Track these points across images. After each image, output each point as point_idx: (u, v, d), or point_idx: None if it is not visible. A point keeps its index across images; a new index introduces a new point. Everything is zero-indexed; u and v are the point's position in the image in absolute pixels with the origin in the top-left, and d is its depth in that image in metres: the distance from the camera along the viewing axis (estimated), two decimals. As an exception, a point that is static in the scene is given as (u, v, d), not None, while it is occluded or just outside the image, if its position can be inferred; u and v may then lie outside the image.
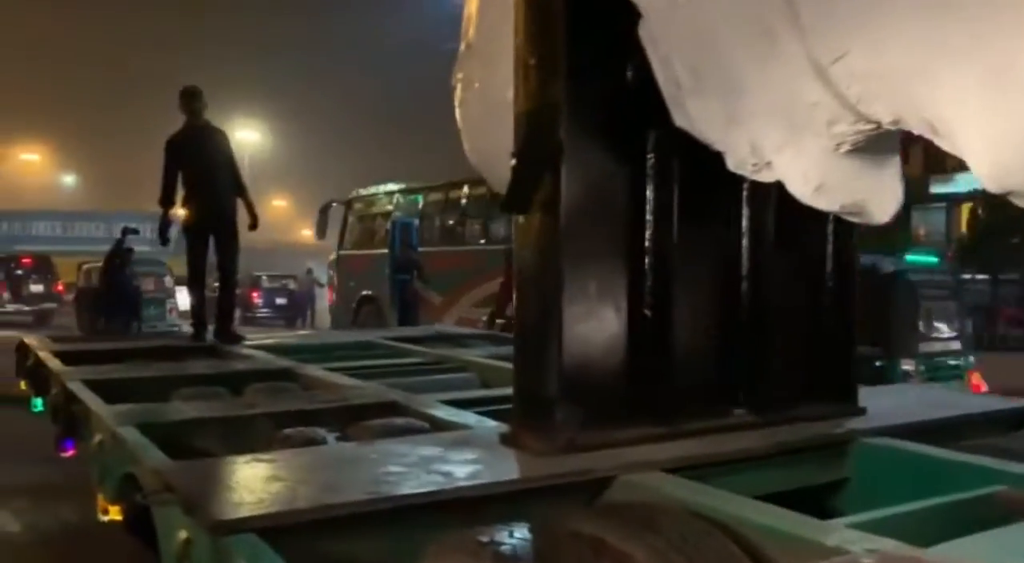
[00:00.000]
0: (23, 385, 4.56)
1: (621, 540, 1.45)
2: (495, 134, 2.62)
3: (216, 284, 6.06)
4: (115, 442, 2.48)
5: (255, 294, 17.87)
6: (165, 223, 5.82)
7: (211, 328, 5.58)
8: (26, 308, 20.03)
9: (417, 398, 3.08)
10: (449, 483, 1.86)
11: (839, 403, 2.67)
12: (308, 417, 2.80)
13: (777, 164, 2.20)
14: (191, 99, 5.80)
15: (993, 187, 1.75)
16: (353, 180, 17.07)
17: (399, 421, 2.62)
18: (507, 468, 2.00)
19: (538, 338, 2.19)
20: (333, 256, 15.14)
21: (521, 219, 2.24)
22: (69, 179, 45.41)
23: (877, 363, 5.07)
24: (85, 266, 17.42)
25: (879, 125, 1.99)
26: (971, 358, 6.48)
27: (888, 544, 1.48)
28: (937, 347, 6.19)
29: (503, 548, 1.49)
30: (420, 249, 12.48)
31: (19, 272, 20.60)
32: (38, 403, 4.18)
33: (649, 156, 2.33)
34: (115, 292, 10.06)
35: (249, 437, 2.66)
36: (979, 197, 19.29)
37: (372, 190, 14.68)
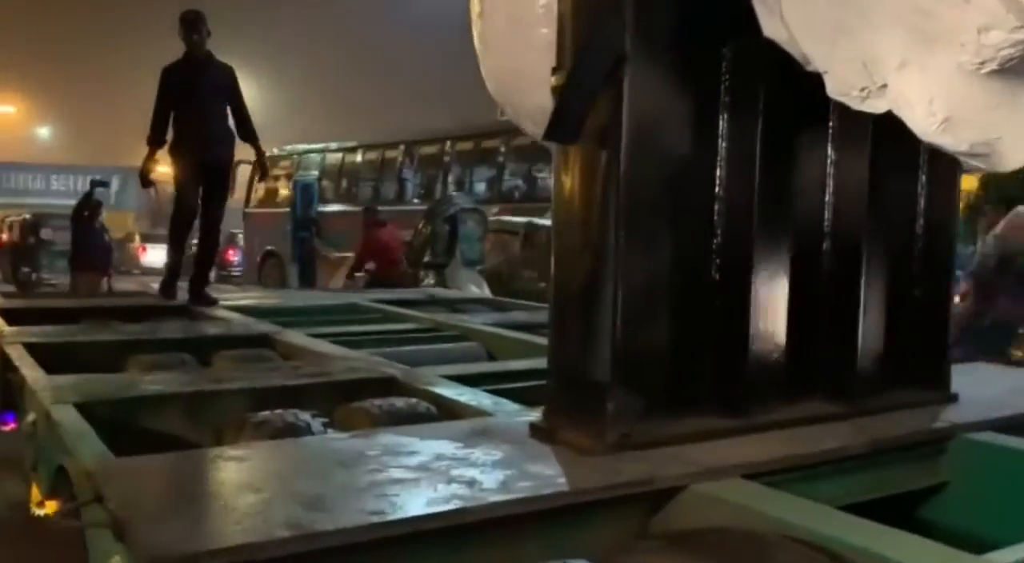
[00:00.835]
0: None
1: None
2: (520, 52, 2.12)
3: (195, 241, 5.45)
4: (48, 424, 2.00)
5: (231, 252, 17.49)
6: (150, 164, 5.17)
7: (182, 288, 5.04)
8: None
9: (417, 373, 2.61)
10: (477, 497, 1.39)
11: (930, 389, 2.22)
12: (288, 395, 2.33)
13: (895, 88, 1.72)
14: (189, 27, 5.08)
15: None
16: (305, 139, 16.87)
17: (400, 403, 2.15)
18: (549, 473, 1.53)
19: (587, 305, 1.72)
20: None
21: (566, 152, 1.76)
22: (45, 132, 44.23)
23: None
24: (8, 219, 17.32)
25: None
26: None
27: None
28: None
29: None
30: (320, 208, 13.28)
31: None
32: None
33: (724, 77, 1.84)
34: (84, 246, 9.51)
35: (215, 420, 2.18)
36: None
37: (276, 151, 15.12)
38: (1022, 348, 4.60)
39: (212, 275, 5.70)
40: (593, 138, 1.68)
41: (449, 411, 2.18)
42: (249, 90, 5.67)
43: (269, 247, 14.80)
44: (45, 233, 16.38)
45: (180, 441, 2.20)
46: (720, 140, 1.86)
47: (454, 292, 5.93)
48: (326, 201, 13.79)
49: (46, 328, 3.47)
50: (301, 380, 2.45)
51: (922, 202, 2.24)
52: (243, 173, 14.23)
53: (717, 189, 1.87)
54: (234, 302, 4.81)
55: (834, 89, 1.79)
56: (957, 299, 4.61)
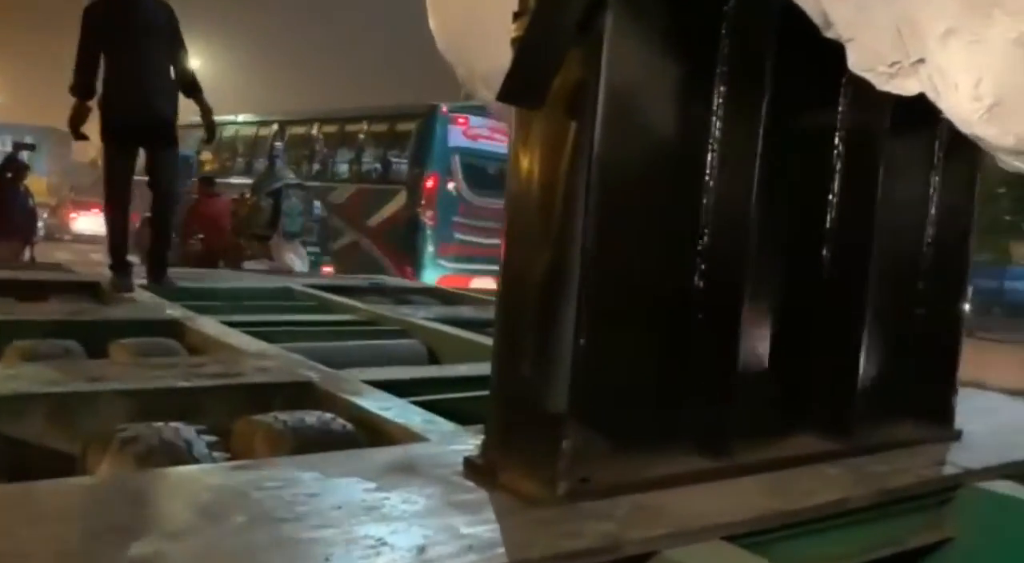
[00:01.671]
0: None
1: None
2: (471, 3, 1.77)
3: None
4: None
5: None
6: (80, 114, 4.34)
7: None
8: None
9: (340, 377, 2.23)
10: (386, 575, 1.03)
11: (934, 424, 1.92)
12: (180, 401, 1.94)
13: (935, 62, 1.40)
14: None
15: None
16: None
17: (310, 419, 1.77)
18: (483, 535, 1.17)
19: (543, 314, 1.36)
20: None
21: (526, 121, 1.39)
22: (-12, 89, 42.42)
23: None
24: None
25: None
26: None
27: None
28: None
29: None
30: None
31: None
32: None
33: (724, 41, 1.50)
34: (5, 211, 8.86)
35: (83, 430, 1.79)
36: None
37: None
38: None
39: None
40: (561, 104, 1.32)
41: (370, 430, 1.81)
42: (197, 54, 5.14)
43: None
44: None
45: (45, 454, 1.81)
46: (714, 118, 1.52)
47: (401, 281, 5.53)
48: (212, 173, 12.78)
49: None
50: (198, 382, 2.05)
51: (934, 209, 1.93)
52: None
53: (707, 179, 1.53)
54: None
55: (858, 62, 1.46)
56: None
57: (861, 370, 1.75)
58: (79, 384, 1.95)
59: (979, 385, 2.80)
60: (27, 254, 8.85)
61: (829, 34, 1.46)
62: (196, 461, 1.55)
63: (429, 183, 9.91)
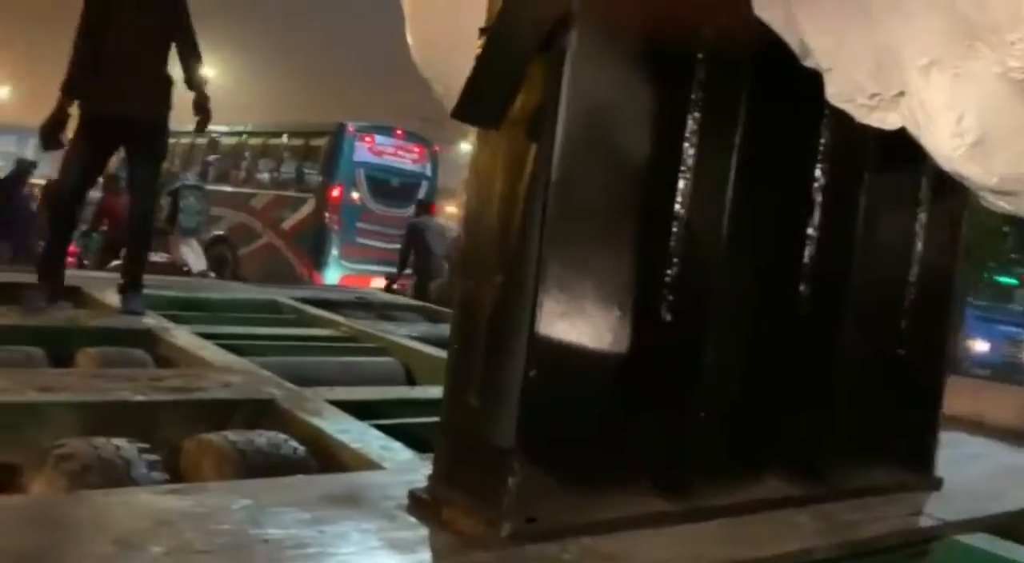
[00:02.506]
0: None
1: None
2: (452, 17, 1.72)
3: None
4: None
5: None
6: (59, 116, 3.40)
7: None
8: None
9: (303, 395, 2.16)
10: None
11: (911, 471, 1.84)
12: (130, 415, 1.87)
13: (917, 95, 1.34)
14: None
15: None
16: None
17: (261, 440, 1.70)
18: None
19: (493, 342, 1.30)
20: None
21: (486, 140, 1.34)
22: (3, 92, 42.70)
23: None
24: None
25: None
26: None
27: None
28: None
29: None
30: None
31: None
32: None
33: (699, 66, 1.44)
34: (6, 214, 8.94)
35: (29, 442, 1.72)
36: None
37: None
38: None
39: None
40: (520, 125, 1.27)
41: (324, 454, 1.75)
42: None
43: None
44: None
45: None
46: (686, 145, 1.46)
47: (387, 296, 5.47)
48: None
49: None
50: (154, 396, 1.98)
51: (919, 245, 1.87)
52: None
53: (678, 207, 1.47)
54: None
55: (836, 93, 1.40)
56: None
57: (835, 411, 1.68)
58: (28, 394, 1.89)
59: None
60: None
61: (808, 63, 1.40)
62: (134, 482, 1.48)
63: (335, 192, 10.99)
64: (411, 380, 3.02)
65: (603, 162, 1.34)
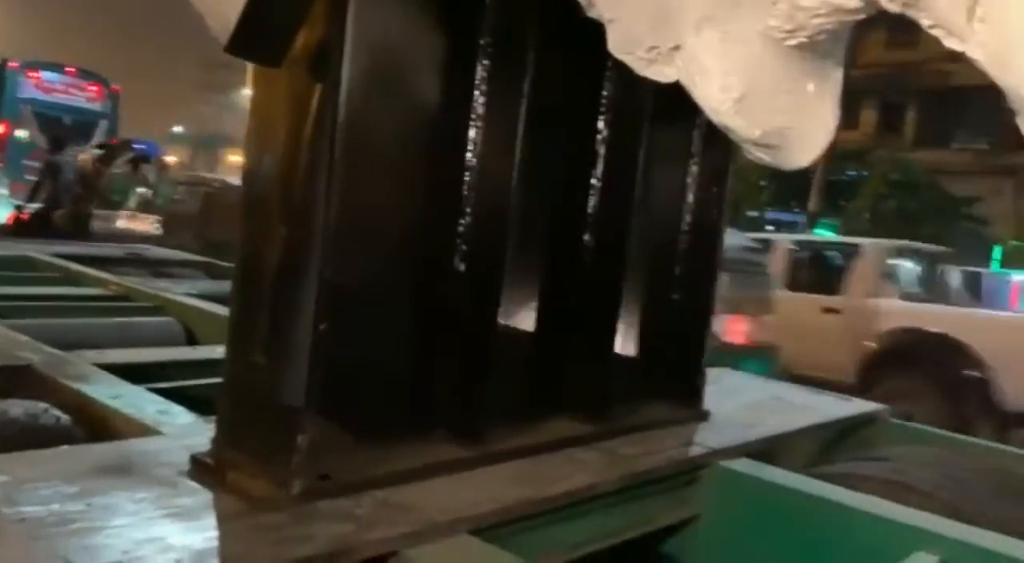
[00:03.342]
0: None
1: None
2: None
3: None
4: None
5: None
6: None
7: None
8: None
9: (66, 360, 1.97)
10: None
11: (683, 405, 1.99)
12: None
13: (689, 52, 1.41)
14: None
15: None
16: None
17: (16, 410, 1.54)
18: (199, 544, 1.04)
19: (278, 296, 1.23)
20: None
21: (265, 78, 1.25)
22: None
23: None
24: None
25: (868, 6, 1.28)
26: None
27: None
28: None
29: None
30: None
31: None
32: None
33: (487, 14, 1.43)
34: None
35: None
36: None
37: None
38: None
39: None
40: (303, 63, 1.20)
41: (93, 422, 1.60)
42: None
43: None
44: None
45: None
46: (476, 93, 1.45)
47: (165, 251, 5.10)
48: None
49: None
50: None
51: (690, 196, 1.99)
52: None
53: (468, 156, 1.46)
54: None
55: (618, 44, 1.44)
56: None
57: (617, 354, 1.77)
58: None
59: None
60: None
61: (591, 14, 1.43)
62: None
63: (0, 129, 10.82)
64: (192, 340, 2.85)
65: (392, 107, 1.30)
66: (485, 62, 1.45)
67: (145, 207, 10.62)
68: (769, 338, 6.18)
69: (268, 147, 1.25)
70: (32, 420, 1.51)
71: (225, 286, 3.70)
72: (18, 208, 9.22)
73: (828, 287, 7.41)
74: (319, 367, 1.20)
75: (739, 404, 2.22)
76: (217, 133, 46.47)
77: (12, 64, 10.93)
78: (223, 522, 1.12)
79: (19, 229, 8.46)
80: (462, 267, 1.48)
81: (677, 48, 1.41)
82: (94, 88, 11.56)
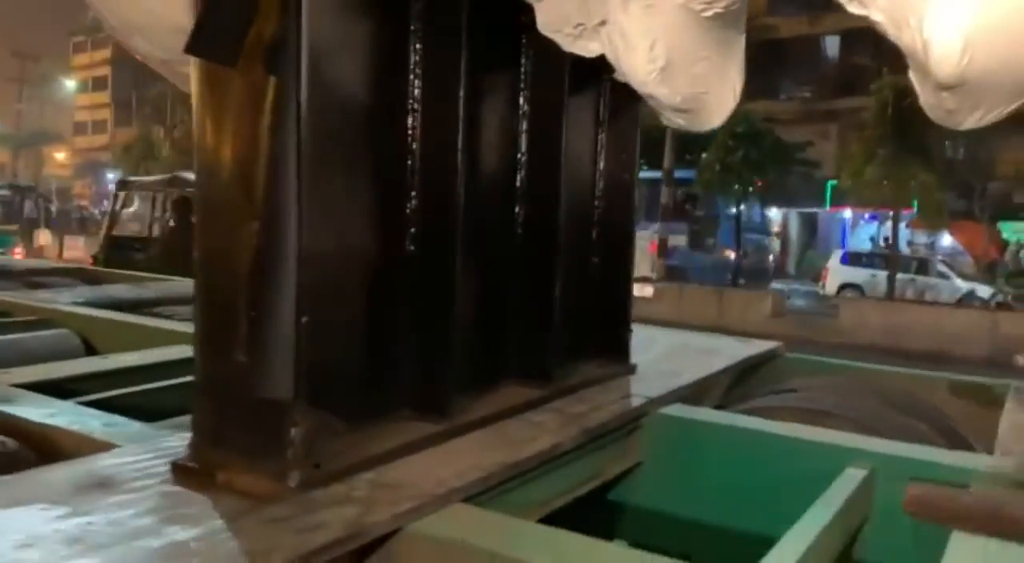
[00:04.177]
0: None
1: None
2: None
3: None
4: None
5: None
6: None
7: None
8: None
9: (-19, 384, 1.87)
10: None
11: (614, 361, 2.10)
12: None
13: (616, 25, 1.49)
14: None
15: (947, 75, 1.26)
16: None
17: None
18: (220, 546, 1.05)
19: (256, 295, 1.23)
20: None
21: (214, 76, 1.23)
22: None
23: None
24: None
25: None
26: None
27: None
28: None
29: None
30: None
31: None
32: None
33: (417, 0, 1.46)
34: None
35: None
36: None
37: None
38: None
39: None
40: (258, 59, 1.19)
41: (39, 444, 1.54)
42: None
43: None
44: None
45: None
46: (412, 77, 1.48)
47: (31, 261, 4.76)
48: None
49: None
50: None
51: (601, 163, 2.09)
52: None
53: (410, 140, 1.49)
54: None
55: (546, 23, 1.51)
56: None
57: (553, 319, 1.85)
58: None
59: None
60: None
61: (518, -6, 1.49)
62: None
63: None
64: (91, 351, 2.73)
65: (341, 97, 1.32)
66: (417, 46, 1.48)
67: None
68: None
69: (225, 146, 1.24)
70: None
71: (109, 291, 3.54)
72: None
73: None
74: (304, 359, 1.21)
75: (655, 355, 2.36)
76: (39, 131, 42.95)
77: None
78: (231, 521, 1.12)
79: None
80: (411, 248, 1.51)
81: (603, 23, 1.49)
82: None
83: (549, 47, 1.57)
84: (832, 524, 1.35)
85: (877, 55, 21.00)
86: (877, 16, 1.28)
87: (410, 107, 1.48)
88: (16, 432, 1.57)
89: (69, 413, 1.68)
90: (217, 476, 1.23)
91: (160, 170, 21.38)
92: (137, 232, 9.23)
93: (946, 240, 20.39)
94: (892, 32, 1.28)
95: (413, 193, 1.50)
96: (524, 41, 1.78)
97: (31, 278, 3.92)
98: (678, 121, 1.71)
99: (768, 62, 23.29)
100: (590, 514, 1.80)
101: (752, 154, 15.48)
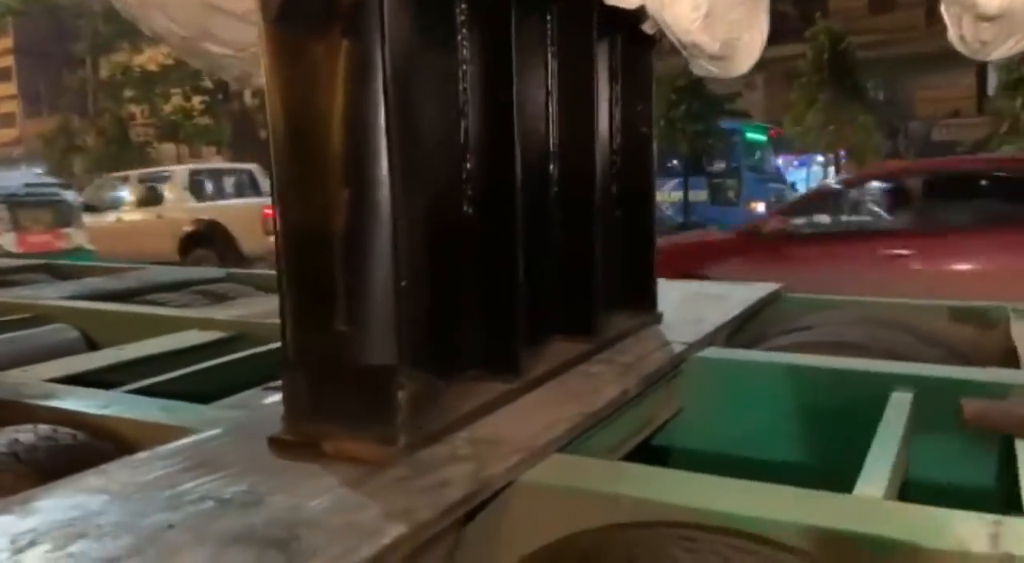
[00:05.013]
0: None
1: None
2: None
3: None
4: None
5: None
6: None
7: None
8: None
9: (15, 381, 1.82)
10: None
11: (643, 311, 2.15)
12: None
13: (662, -22, 1.51)
14: None
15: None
16: None
17: (26, 437, 1.42)
18: (361, 514, 1.06)
19: (354, 262, 1.23)
20: None
21: (289, 45, 1.21)
22: None
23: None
24: None
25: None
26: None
27: None
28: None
29: None
30: None
31: None
32: None
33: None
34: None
35: None
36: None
37: None
38: None
39: None
40: (340, 24, 1.18)
41: (104, 435, 1.51)
42: None
43: None
44: None
45: None
46: (459, 38, 1.48)
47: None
48: None
49: None
50: None
51: (618, 116, 2.11)
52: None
53: (462, 102, 1.49)
54: None
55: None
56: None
57: (592, 273, 1.88)
58: None
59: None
60: None
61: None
62: None
63: None
64: (91, 344, 2.66)
65: (413, 58, 1.30)
66: (462, 5, 1.47)
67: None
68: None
69: (304, 117, 1.22)
70: (53, 443, 1.41)
71: (90, 285, 3.44)
72: None
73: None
74: (404, 323, 1.22)
75: (673, 304, 2.41)
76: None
77: None
78: (355, 488, 1.13)
79: None
80: (469, 210, 1.52)
81: (639, -24, 1.50)
82: None
83: (575, 2, 1.58)
84: (900, 447, 1.42)
85: (797, 2, 21.38)
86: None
87: (461, 69, 1.48)
88: (78, 425, 1.54)
89: (122, 403, 1.65)
90: (323, 446, 1.24)
91: (88, 163, 20.65)
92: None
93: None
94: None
95: (468, 155, 1.50)
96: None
97: (3, 277, 3.78)
98: (711, 69, 1.74)
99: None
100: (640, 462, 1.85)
101: (695, 107, 15.64)
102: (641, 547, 1.03)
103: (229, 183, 12.48)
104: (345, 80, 1.18)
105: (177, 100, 20.34)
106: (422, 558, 1.06)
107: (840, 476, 1.28)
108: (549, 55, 1.80)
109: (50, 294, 3.10)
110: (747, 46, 1.69)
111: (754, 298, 2.57)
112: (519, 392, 1.52)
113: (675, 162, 16.69)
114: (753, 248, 5.77)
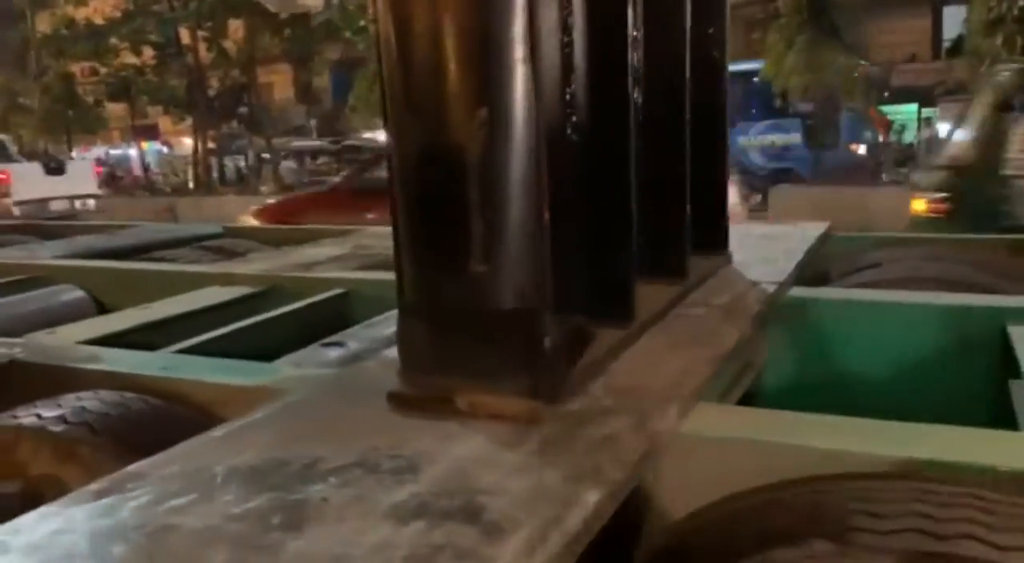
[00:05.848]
0: None
1: None
2: None
3: None
4: None
5: None
6: None
7: None
8: None
9: (50, 346, 1.64)
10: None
11: (715, 253, 2.01)
12: None
13: None
14: None
15: None
16: None
17: (95, 405, 1.25)
18: (536, 473, 0.91)
19: (487, 198, 1.07)
20: None
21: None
22: None
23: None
24: None
25: None
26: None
27: None
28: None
29: None
30: None
31: None
32: None
33: None
34: None
35: None
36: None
37: None
38: None
39: None
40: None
41: (180, 396, 1.35)
42: None
43: None
44: None
45: None
46: None
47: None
48: None
49: None
50: None
51: (687, 40, 1.95)
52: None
53: (567, 18, 1.32)
54: None
55: None
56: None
57: (686, 211, 1.74)
58: None
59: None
60: None
61: None
62: None
63: None
64: (101, 308, 2.47)
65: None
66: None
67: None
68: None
69: (429, 34, 1.05)
70: (124, 409, 1.24)
71: (84, 243, 3.21)
72: None
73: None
74: (550, 259, 1.07)
75: (735, 245, 2.29)
76: None
77: None
78: (515, 448, 0.99)
79: None
80: (574, 137, 1.36)
81: None
82: None
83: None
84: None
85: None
86: None
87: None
88: (139, 389, 1.37)
89: (183, 364, 1.49)
90: (457, 400, 1.09)
91: (35, 121, 19.71)
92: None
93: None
94: None
95: (572, 77, 1.34)
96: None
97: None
98: None
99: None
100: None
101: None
102: (871, 502, 0.90)
103: None
104: (488, 16, 1.01)
105: (127, 55, 19.41)
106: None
107: (957, 417, 1.16)
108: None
109: (44, 254, 2.87)
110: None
111: (815, 236, 2.45)
112: (634, 336, 1.39)
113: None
114: (333, 202, 7.20)
